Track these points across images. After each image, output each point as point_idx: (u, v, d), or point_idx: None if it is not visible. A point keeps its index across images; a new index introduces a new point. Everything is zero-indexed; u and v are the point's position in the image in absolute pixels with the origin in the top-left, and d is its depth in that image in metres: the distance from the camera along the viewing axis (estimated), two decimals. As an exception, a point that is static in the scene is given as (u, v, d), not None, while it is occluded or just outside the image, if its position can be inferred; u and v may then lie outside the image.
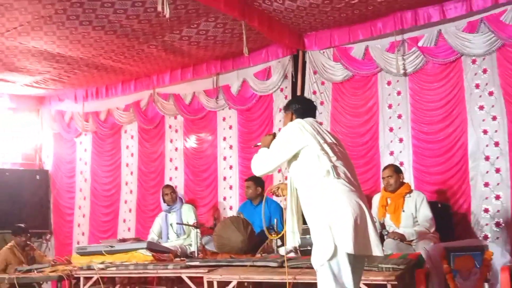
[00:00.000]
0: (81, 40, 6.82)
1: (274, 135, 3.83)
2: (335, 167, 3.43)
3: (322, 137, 3.57)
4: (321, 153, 3.47)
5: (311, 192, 3.47)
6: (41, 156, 9.79)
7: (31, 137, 9.65)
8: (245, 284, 5.14)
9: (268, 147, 3.72)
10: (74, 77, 8.36)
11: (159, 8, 5.05)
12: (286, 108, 3.97)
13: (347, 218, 3.21)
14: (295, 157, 3.60)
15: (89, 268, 5.77)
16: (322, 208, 3.34)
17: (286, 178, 6.39)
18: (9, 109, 9.27)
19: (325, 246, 3.23)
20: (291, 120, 3.77)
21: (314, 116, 3.86)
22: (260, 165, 3.73)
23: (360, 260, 3.39)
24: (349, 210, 3.24)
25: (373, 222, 3.38)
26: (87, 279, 5.69)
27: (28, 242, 7.38)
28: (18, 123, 9.46)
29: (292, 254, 5.21)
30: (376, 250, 3.31)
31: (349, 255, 3.19)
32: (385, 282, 4.01)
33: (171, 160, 8.42)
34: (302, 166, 3.56)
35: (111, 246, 6.10)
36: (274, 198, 6.97)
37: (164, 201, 7.03)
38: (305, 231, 4.93)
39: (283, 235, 5.56)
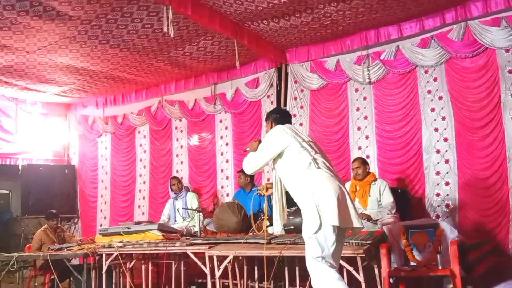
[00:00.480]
0: (100, 56, 6.78)
1: (259, 141, 3.88)
2: (315, 159, 3.50)
3: (300, 137, 3.64)
4: (301, 150, 3.53)
5: (298, 182, 3.51)
6: (68, 153, 9.74)
7: (60, 137, 9.59)
8: (240, 258, 5.13)
9: (255, 151, 3.77)
10: (95, 87, 8.31)
11: (165, 29, 5.04)
12: (267, 118, 4.06)
13: (331, 197, 3.27)
14: (279, 156, 3.64)
15: (110, 246, 5.76)
16: (308, 192, 3.38)
17: (268, 180, 6.48)
18: (41, 114, 9.20)
19: (312, 221, 3.28)
20: (271, 127, 3.84)
21: (290, 122, 3.94)
22: (250, 165, 3.79)
23: (341, 233, 3.41)
24: (331, 191, 3.30)
25: (352, 201, 3.44)
26: (108, 255, 5.69)
27: (59, 225, 7.36)
28: (49, 126, 9.39)
29: (279, 232, 5.19)
30: (357, 222, 3.37)
31: (333, 227, 3.24)
32: (354, 255, 4.03)
33: (177, 155, 8.38)
34: (287, 162, 3.61)
35: (128, 228, 6.08)
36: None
37: (172, 190, 7.02)
38: (288, 214, 4.96)
39: (269, 218, 5.62)
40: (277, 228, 3.91)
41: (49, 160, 9.45)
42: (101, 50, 6.52)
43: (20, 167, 8.94)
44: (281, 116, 3.98)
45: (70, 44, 6.25)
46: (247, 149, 4.02)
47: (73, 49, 6.43)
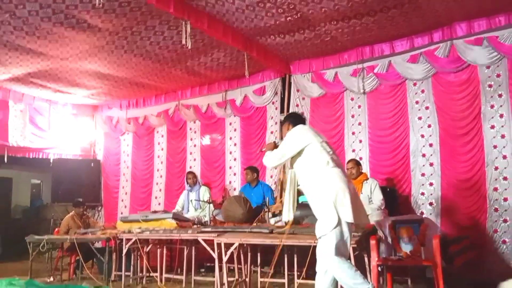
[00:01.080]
0: (125, 64, 6.81)
1: (274, 143, 3.88)
2: (332, 159, 3.50)
3: (320, 136, 3.63)
4: (321, 149, 3.53)
5: (315, 179, 3.49)
6: (94, 149, 9.75)
7: (87, 135, 9.60)
8: (244, 245, 5.12)
9: (272, 150, 3.75)
10: (119, 91, 8.33)
11: (183, 41, 5.06)
12: (284, 121, 4.00)
13: (346, 195, 3.29)
14: (299, 153, 3.61)
15: (129, 232, 5.78)
16: (325, 190, 3.38)
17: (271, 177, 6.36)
18: (71, 114, 9.23)
19: (330, 218, 3.27)
20: (288, 129, 3.81)
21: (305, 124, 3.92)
22: (273, 159, 3.74)
23: (351, 229, 3.43)
24: (347, 191, 3.32)
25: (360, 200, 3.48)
26: (128, 240, 5.69)
27: (85, 212, 7.39)
28: (78, 124, 9.41)
29: (279, 224, 5.20)
30: (367, 219, 3.49)
31: (348, 223, 3.27)
32: (348, 245, 4.02)
33: (191, 153, 8.37)
34: (307, 160, 3.59)
35: (146, 216, 6.08)
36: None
37: (187, 183, 7.01)
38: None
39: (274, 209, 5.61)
40: (285, 218, 3.87)
41: (77, 155, 9.47)
42: (126, 58, 6.54)
43: (51, 161, 8.96)
44: (297, 119, 3.95)
45: (99, 52, 6.28)
46: (264, 149, 3.98)
47: (101, 57, 6.45)
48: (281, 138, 4.04)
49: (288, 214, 3.69)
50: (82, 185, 8.99)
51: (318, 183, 3.44)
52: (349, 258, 3.62)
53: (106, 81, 7.60)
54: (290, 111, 7.10)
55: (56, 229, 7.46)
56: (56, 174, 9.07)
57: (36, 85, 7.69)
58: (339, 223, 3.25)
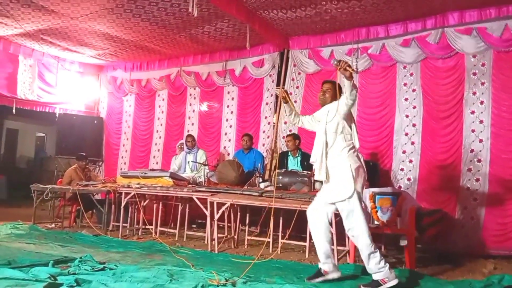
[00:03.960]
0: (132, 28, 6.70)
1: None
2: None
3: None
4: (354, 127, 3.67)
5: (349, 149, 3.57)
6: (98, 107, 9.66)
7: (92, 93, 9.49)
8: (235, 206, 5.23)
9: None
10: (125, 54, 8.21)
11: (190, 9, 4.99)
12: (334, 81, 3.80)
13: (362, 173, 3.54)
14: (350, 117, 3.65)
15: (128, 186, 5.85)
16: (351, 162, 3.51)
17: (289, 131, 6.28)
18: (78, 72, 9.10)
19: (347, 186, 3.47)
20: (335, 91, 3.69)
21: None
22: (353, 96, 3.45)
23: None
24: (362, 168, 3.55)
25: None
26: (127, 194, 5.76)
27: (87, 166, 7.41)
28: (83, 83, 9.28)
29: (269, 188, 5.28)
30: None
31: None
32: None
33: (189, 118, 8.35)
34: (349, 128, 3.63)
35: (145, 173, 6.13)
36: (262, 148, 7.07)
37: (186, 146, 7.01)
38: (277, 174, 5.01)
39: (261, 175, 5.66)
40: (318, 177, 3.76)
41: (82, 111, 9.39)
42: (134, 22, 6.43)
43: (57, 115, 8.90)
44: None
45: (108, 14, 6.16)
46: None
47: (110, 19, 6.33)
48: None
49: (319, 173, 3.62)
50: (85, 141, 8.96)
51: (349, 152, 3.55)
52: (331, 224, 3.72)
53: (113, 42, 7.48)
54: (285, 85, 7.09)
55: (59, 180, 7.50)
56: (61, 129, 9.03)
57: (46, 42, 7.55)
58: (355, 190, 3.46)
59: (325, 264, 3.59)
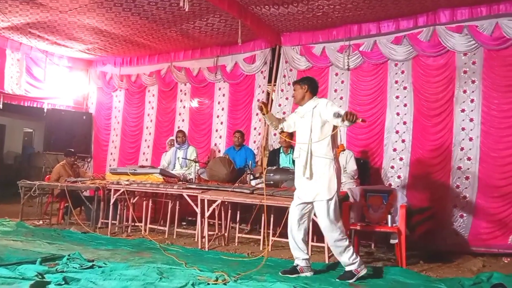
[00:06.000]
0: (122, 22, 6.62)
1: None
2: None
3: None
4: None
5: (330, 153, 3.63)
6: (87, 102, 9.55)
7: (81, 88, 9.36)
8: (226, 203, 5.20)
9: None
10: (115, 48, 8.12)
11: (181, 4, 4.95)
12: (302, 82, 3.88)
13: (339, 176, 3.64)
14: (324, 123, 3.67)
15: (118, 183, 5.79)
16: (335, 163, 3.60)
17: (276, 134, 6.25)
18: (66, 67, 8.97)
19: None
20: (306, 91, 3.80)
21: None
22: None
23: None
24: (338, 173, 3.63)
25: None
26: (116, 190, 5.70)
27: (75, 162, 7.33)
28: (72, 78, 9.15)
29: (260, 186, 5.26)
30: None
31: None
32: (322, 209, 4.11)
33: (180, 114, 8.29)
34: (328, 131, 3.67)
35: (134, 170, 6.09)
36: (253, 144, 7.05)
37: (177, 142, 6.94)
38: (269, 171, 5.00)
39: (251, 172, 5.64)
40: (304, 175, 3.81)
41: (70, 106, 9.27)
42: (124, 16, 6.36)
43: (45, 110, 8.77)
44: (316, 89, 3.91)
45: (97, 8, 6.07)
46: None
47: (100, 13, 6.25)
48: (293, 96, 3.99)
49: (304, 172, 3.67)
50: (73, 136, 8.86)
51: (329, 157, 3.61)
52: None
53: (103, 37, 7.39)
54: (277, 82, 7.08)
55: (47, 176, 7.41)
56: (49, 124, 8.89)
57: (34, 35, 7.43)
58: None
59: (302, 261, 3.71)
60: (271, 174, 5.13)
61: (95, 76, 9.37)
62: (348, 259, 3.57)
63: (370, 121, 6.27)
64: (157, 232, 5.99)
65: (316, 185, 3.59)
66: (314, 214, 3.75)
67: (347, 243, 3.58)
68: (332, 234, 3.57)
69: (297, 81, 3.94)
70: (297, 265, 3.70)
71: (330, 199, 3.54)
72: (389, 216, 4.26)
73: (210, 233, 5.10)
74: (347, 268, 3.60)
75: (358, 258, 3.62)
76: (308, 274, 3.69)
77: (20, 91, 8.14)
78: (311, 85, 3.83)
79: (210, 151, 7.69)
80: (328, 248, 4.22)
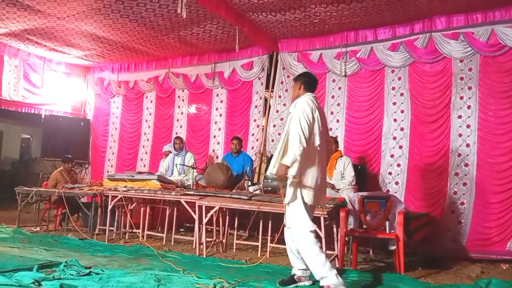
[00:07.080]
0: (120, 29, 6.63)
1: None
2: (321, 142, 3.46)
3: (319, 120, 3.49)
4: (318, 130, 3.45)
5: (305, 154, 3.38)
6: (85, 109, 9.55)
7: (78, 95, 9.37)
8: (224, 209, 5.19)
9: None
10: (112, 55, 8.13)
11: (179, 11, 4.95)
12: (296, 79, 3.74)
13: (314, 180, 3.43)
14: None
15: (115, 189, 5.77)
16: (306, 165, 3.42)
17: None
18: (64, 73, 8.98)
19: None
20: (299, 89, 3.63)
21: (315, 90, 3.70)
22: (300, 141, 3.33)
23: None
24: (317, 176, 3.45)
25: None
26: (114, 197, 5.68)
27: (73, 168, 7.31)
28: (70, 84, 9.16)
29: (257, 192, 5.26)
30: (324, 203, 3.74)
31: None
32: (320, 215, 4.11)
33: (177, 120, 8.29)
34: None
35: (132, 176, 6.07)
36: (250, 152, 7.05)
37: (174, 148, 6.93)
38: (266, 177, 4.99)
39: (250, 179, 5.63)
40: (270, 170, 3.70)
41: (68, 113, 9.28)
42: (122, 23, 6.37)
43: (43, 117, 8.77)
44: (310, 84, 3.67)
45: (95, 15, 6.09)
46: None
47: (98, 19, 6.26)
48: (292, 97, 3.82)
49: (273, 168, 3.55)
50: (71, 143, 8.84)
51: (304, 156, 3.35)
52: (320, 228, 3.72)
53: (100, 43, 7.41)
54: (274, 88, 7.09)
55: (45, 182, 7.39)
56: (47, 130, 8.88)
57: (31, 42, 7.44)
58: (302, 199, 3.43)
59: (298, 271, 3.57)
60: (269, 181, 5.12)
61: (93, 82, 9.38)
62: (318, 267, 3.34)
63: (368, 127, 6.32)
64: (154, 238, 5.96)
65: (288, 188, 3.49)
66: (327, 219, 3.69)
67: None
68: (298, 239, 3.45)
69: (294, 78, 3.84)
70: (294, 275, 3.57)
71: (292, 202, 3.43)
72: (387, 222, 4.25)
73: (208, 239, 5.08)
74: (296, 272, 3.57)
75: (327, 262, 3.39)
76: (307, 283, 3.55)
77: (17, 97, 8.14)
78: (305, 81, 3.64)
79: (208, 157, 7.68)
80: (341, 256, 4.20)
